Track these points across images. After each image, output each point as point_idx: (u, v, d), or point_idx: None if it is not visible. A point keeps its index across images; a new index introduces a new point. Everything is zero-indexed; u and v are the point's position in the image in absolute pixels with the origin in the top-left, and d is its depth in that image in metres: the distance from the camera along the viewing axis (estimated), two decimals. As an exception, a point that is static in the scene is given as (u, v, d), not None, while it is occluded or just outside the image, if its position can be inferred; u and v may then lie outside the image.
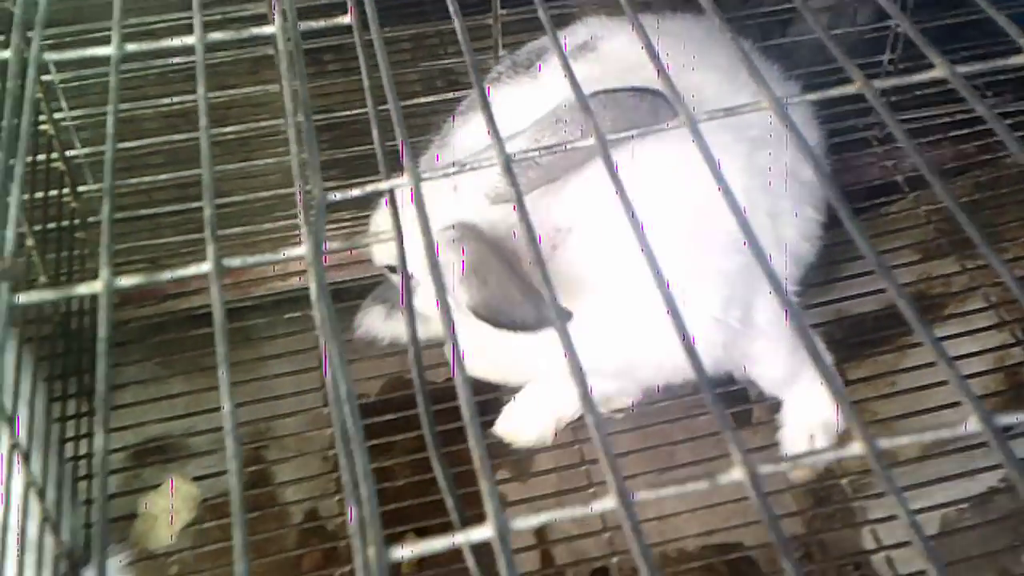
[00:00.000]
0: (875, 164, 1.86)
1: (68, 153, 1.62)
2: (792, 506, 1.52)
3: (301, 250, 0.70)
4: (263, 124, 1.67)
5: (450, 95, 1.68)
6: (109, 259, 0.69)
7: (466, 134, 1.41)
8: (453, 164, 0.71)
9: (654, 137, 0.73)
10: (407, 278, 0.70)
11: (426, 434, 0.59)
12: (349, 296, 1.58)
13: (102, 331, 0.67)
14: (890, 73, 1.80)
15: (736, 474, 0.53)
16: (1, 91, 0.76)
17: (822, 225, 1.44)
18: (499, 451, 1.58)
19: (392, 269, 1.37)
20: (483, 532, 0.53)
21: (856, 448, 0.53)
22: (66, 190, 1.63)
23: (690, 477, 1.57)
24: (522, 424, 1.59)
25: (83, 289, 0.68)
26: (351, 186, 0.75)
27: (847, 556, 1.43)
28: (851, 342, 1.63)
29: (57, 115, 1.63)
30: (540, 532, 1.51)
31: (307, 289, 1.83)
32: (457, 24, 0.84)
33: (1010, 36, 0.76)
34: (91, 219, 1.69)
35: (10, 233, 0.70)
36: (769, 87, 0.73)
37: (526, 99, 1.34)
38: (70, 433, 1.51)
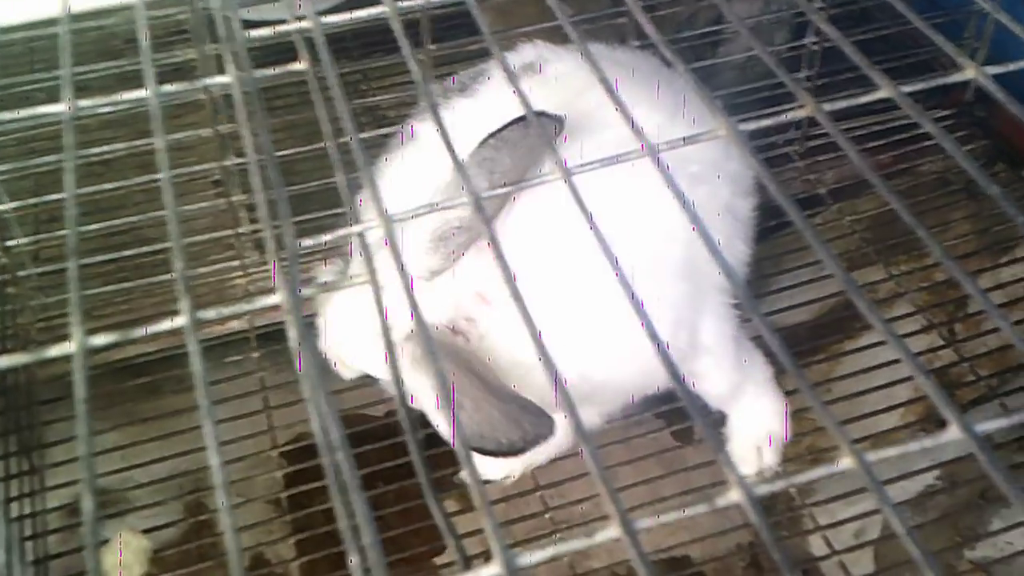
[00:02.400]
0: (797, 179, 1.91)
1: (-3, 208, 1.59)
2: (738, 517, 1.54)
3: (277, 298, 0.70)
4: (195, 168, 1.66)
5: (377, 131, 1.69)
6: (80, 319, 0.69)
7: (399, 171, 1.41)
8: (429, 205, 0.71)
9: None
10: (388, 335, 0.70)
11: (422, 480, 0.60)
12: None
13: (80, 392, 0.66)
14: (808, 90, 1.85)
15: (734, 496, 0.55)
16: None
17: (750, 256, 1.49)
18: (445, 483, 1.58)
19: (368, 377, 1.34)
20: (492, 570, 0.53)
21: (847, 462, 0.55)
22: (-7, 245, 1.60)
23: (637, 499, 1.57)
24: (493, 462, 1.57)
25: (56, 351, 0.68)
26: (319, 231, 0.76)
27: (797, 563, 1.46)
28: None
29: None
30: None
31: (244, 332, 1.81)
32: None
33: (910, 47, 0.81)
34: (20, 273, 1.65)
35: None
36: (726, 116, 0.75)
37: (464, 119, 1.35)
38: (13, 492, 1.47)
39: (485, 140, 1.19)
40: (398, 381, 0.69)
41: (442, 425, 1.20)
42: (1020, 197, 1.83)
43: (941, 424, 1.59)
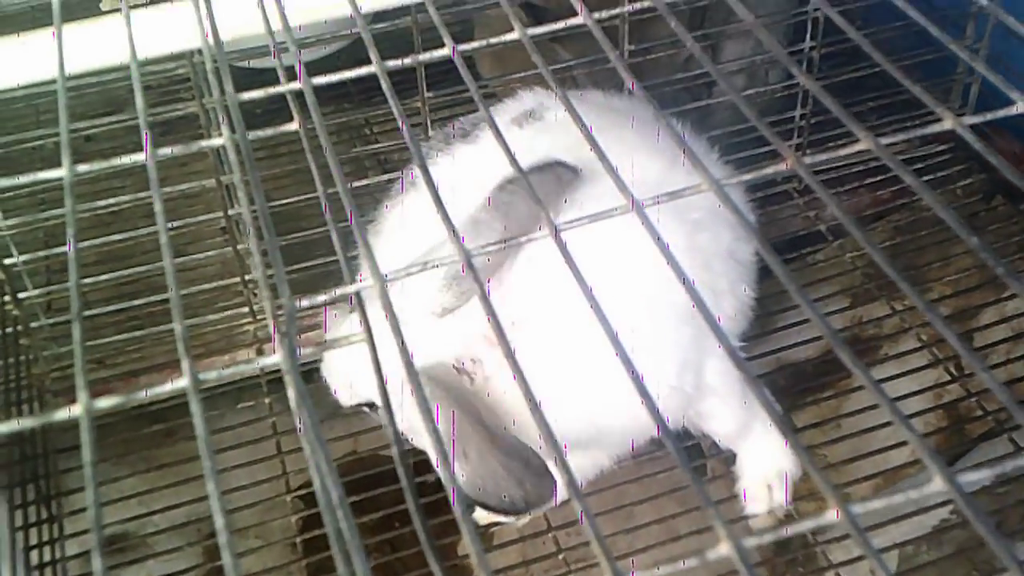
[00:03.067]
0: (798, 215, 1.92)
1: (6, 261, 1.61)
2: (755, 554, 1.54)
3: (276, 358, 0.71)
4: (202, 218, 1.68)
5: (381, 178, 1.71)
6: (86, 383, 0.70)
7: (398, 219, 1.43)
8: (424, 263, 0.73)
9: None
10: (384, 389, 0.71)
11: (423, 539, 0.61)
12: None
13: (86, 455, 0.68)
14: (802, 128, 1.87)
15: (723, 549, 0.56)
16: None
17: (754, 299, 1.50)
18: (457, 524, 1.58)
19: (366, 406, 1.34)
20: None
21: (832, 515, 0.56)
22: (7, 297, 1.62)
23: (653, 537, 1.57)
24: None
25: (62, 415, 0.69)
26: (317, 291, 0.77)
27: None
28: (794, 390, 1.67)
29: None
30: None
31: (256, 378, 1.82)
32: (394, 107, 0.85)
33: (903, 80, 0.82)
34: (33, 324, 1.68)
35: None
36: (707, 170, 0.77)
37: (465, 165, 1.37)
38: (33, 541, 1.48)
39: (503, 184, 1.20)
40: (395, 430, 0.70)
41: (442, 473, 1.20)
42: (1020, 231, 1.82)
43: (953, 460, 1.59)
